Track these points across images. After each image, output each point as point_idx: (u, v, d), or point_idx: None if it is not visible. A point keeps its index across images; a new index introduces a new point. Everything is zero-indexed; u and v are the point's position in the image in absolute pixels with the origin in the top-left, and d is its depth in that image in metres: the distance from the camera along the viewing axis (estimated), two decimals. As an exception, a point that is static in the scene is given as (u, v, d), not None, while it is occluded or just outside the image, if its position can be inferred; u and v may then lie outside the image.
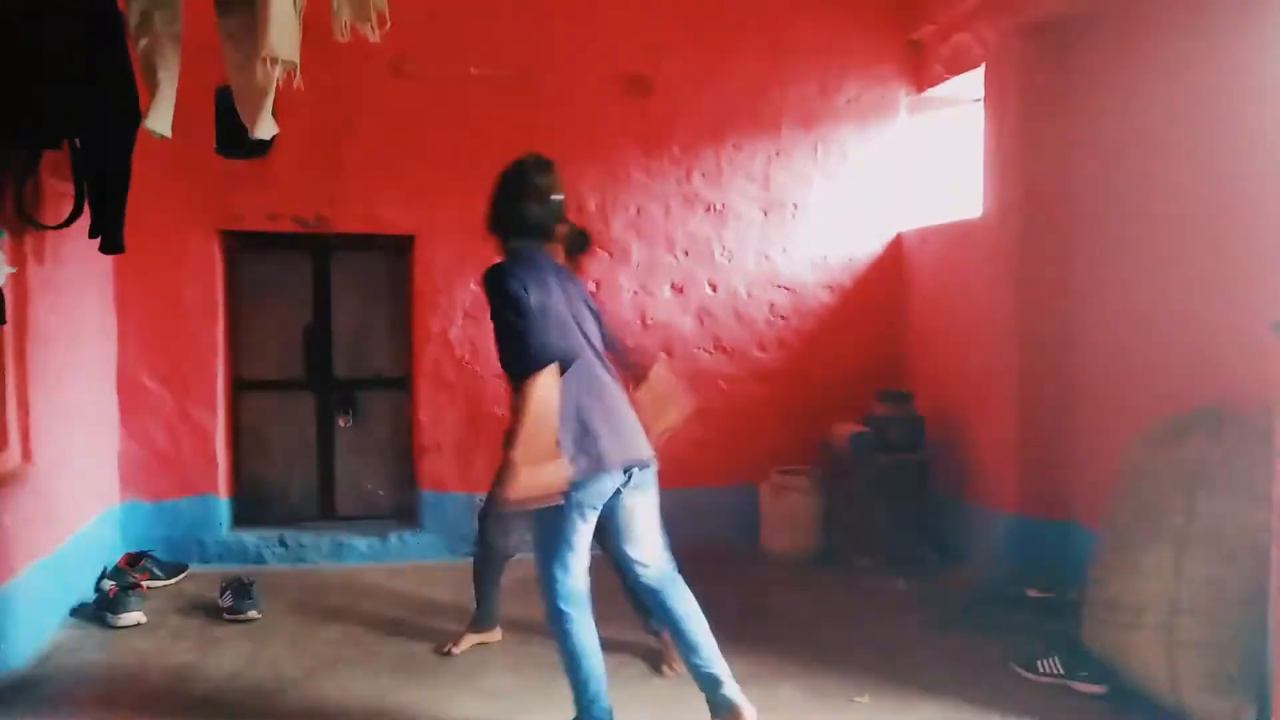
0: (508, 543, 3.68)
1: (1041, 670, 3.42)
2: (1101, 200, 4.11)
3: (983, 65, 4.67)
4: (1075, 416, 4.28)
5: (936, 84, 5.18)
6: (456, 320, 4.99)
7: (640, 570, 2.95)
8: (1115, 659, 3.26)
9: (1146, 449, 3.36)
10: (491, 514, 3.63)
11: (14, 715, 3.10)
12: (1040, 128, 4.33)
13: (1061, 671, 3.37)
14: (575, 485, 2.71)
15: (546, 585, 2.80)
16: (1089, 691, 3.30)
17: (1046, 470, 4.33)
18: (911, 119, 5.43)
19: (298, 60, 3.15)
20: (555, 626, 2.82)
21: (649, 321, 5.20)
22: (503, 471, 2.68)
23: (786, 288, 5.33)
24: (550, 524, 2.77)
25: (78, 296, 4.17)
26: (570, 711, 2.86)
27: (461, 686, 3.39)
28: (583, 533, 2.80)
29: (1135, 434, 3.49)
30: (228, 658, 3.60)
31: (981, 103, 4.71)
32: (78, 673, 3.46)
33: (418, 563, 4.85)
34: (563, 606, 2.79)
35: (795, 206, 5.33)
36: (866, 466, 4.74)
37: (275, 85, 3.16)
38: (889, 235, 5.44)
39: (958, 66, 4.94)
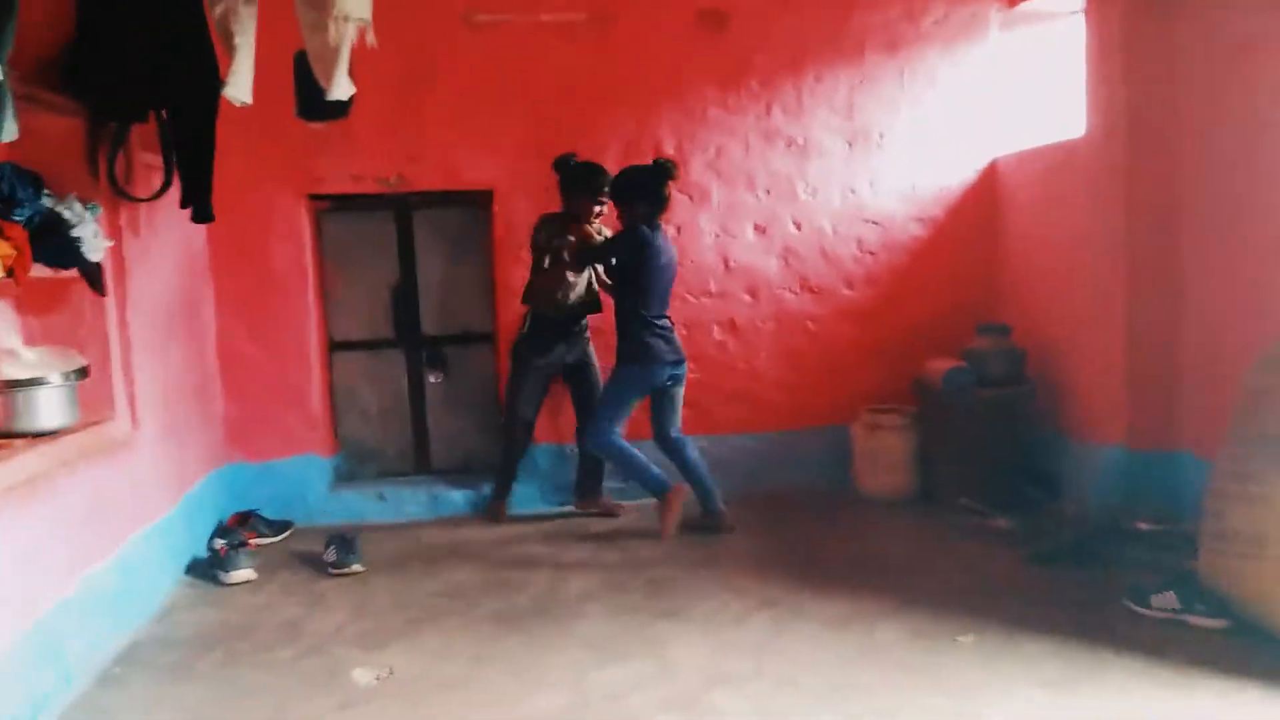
0: (530, 413, 4.79)
1: (1156, 605, 3.28)
2: (1212, 114, 3.84)
3: (1082, -28, 4.39)
4: (1186, 344, 4.06)
5: (1030, -3, 4.90)
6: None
7: (670, 428, 4.59)
8: (1235, 592, 3.11)
9: (1266, 374, 3.16)
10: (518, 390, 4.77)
11: (139, 671, 3.26)
12: (1146, 38, 4.06)
13: (1178, 606, 3.24)
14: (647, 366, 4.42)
15: (605, 432, 4.43)
16: (1208, 626, 3.16)
17: (1156, 400, 4.13)
18: (1004, 36, 5.15)
19: (369, 17, 3.14)
20: (612, 450, 4.46)
21: (731, 264, 5.11)
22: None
23: (874, 222, 5.17)
24: (619, 394, 4.46)
25: (173, 265, 4.29)
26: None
27: (560, 633, 3.43)
28: (636, 404, 4.54)
29: (1251, 359, 3.29)
30: (334, 611, 3.72)
31: (1082, 14, 4.43)
32: (195, 629, 3.61)
33: (511, 513, 4.91)
34: (615, 440, 4.45)
35: (881, 136, 5.14)
36: (963, 401, 4.60)
37: (349, 44, 3.16)
38: (983, 162, 5.21)
39: (1054, -24, 4.66)
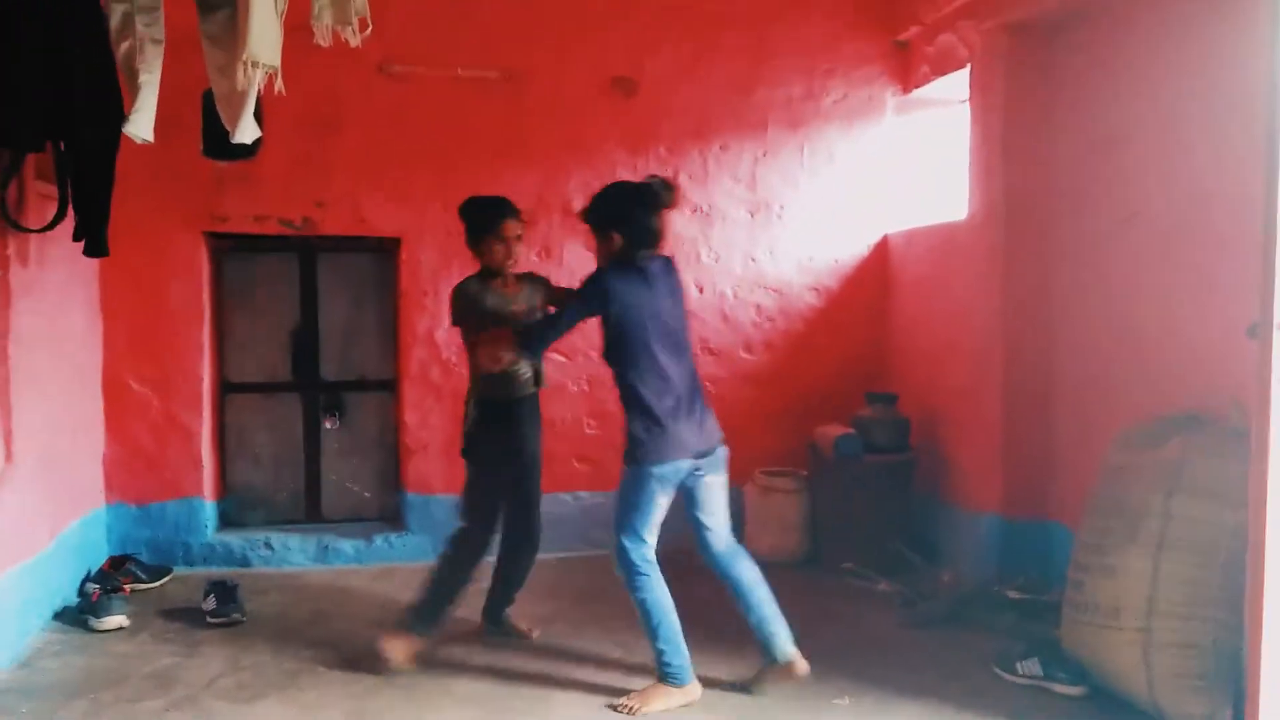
0: (491, 527, 3.76)
1: (1021, 671, 3.43)
2: (1083, 202, 4.12)
3: (968, 65, 4.68)
4: (1057, 418, 4.30)
5: (923, 84, 5.19)
6: (443, 322, 4.98)
7: (709, 536, 3.44)
8: (1093, 660, 3.27)
9: (1125, 451, 3.38)
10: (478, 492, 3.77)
11: (2, 717, 3.10)
12: (1024, 129, 4.34)
13: (1040, 673, 3.38)
14: (653, 465, 3.27)
15: (625, 550, 3.31)
16: (1067, 693, 3.31)
17: (1029, 471, 4.35)
18: (898, 120, 5.43)
19: (279, 64, 3.15)
20: (633, 582, 3.33)
21: (635, 323, 5.19)
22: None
23: (773, 289, 5.34)
24: (633, 496, 3.30)
25: (62, 299, 4.17)
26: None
27: (439, 691, 3.39)
28: (661, 505, 3.35)
29: (1115, 436, 3.50)
30: (210, 661, 3.61)
31: (967, 103, 4.72)
32: (59, 676, 3.45)
33: (403, 565, 4.84)
34: (641, 567, 3.31)
35: (781, 208, 5.34)
36: (852, 468, 4.75)
37: (257, 89, 3.17)
38: (875, 237, 5.45)
39: (944, 67, 4.95)
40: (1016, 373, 4.37)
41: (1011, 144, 4.36)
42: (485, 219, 3.69)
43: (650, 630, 3.29)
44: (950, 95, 5.17)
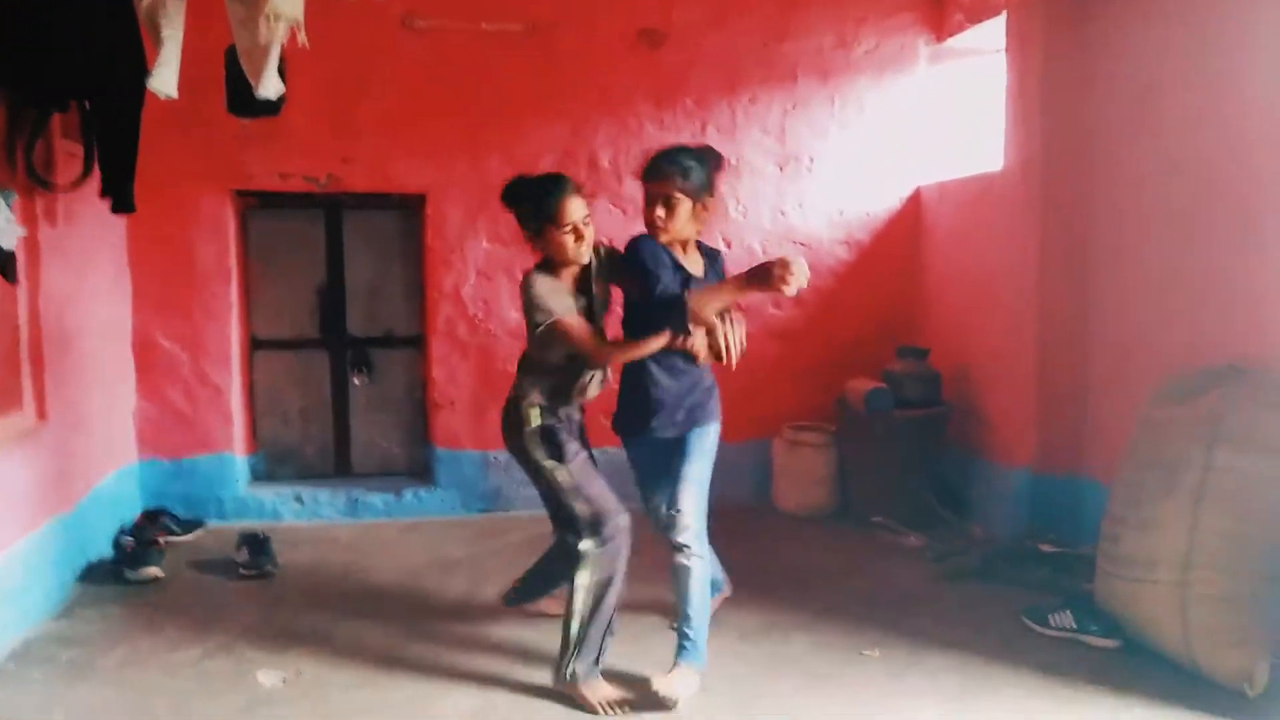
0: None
1: (1053, 624, 3.40)
2: (1124, 152, 4.02)
3: (1004, 13, 4.55)
4: (1092, 372, 4.23)
5: (957, 33, 5.06)
6: (469, 278, 4.98)
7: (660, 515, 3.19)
8: (1127, 614, 3.24)
9: (1164, 404, 3.32)
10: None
11: (34, 668, 3.16)
12: (1062, 77, 4.22)
13: (1073, 626, 3.36)
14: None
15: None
16: (1100, 645, 3.28)
17: (1063, 426, 4.28)
18: (931, 70, 5.31)
19: (301, 17, 3.11)
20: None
21: (662, 278, 5.15)
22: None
23: (802, 244, 5.27)
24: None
25: (91, 257, 4.19)
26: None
27: (473, 639, 3.42)
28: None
29: (1152, 389, 3.44)
30: (243, 612, 3.65)
31: (1003, 52, 4.60)
32: (97, 626, 3.51)
33: (431, 519, 4.88)
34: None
35: (811, 160, 5.25)
36: (882, 422, 4.71)
37: (279, 43, 3.13)
38: (907, 190, 5.35)
39: (979, 15, 4.82)
40: (1051, 326, 4.29)
41: (1049, 93, 4.24)
42: (538, 205, 2.95)
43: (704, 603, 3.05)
44: (985, 44, 5.03)
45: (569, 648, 2.95)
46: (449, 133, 4.90)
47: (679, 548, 3.02)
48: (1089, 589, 3.45)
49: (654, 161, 3.06)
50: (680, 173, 2.99)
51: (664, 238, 3.03)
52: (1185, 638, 3.03)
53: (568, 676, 2.93)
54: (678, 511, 3.03)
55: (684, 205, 2.99)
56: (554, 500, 3.15)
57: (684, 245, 3.10)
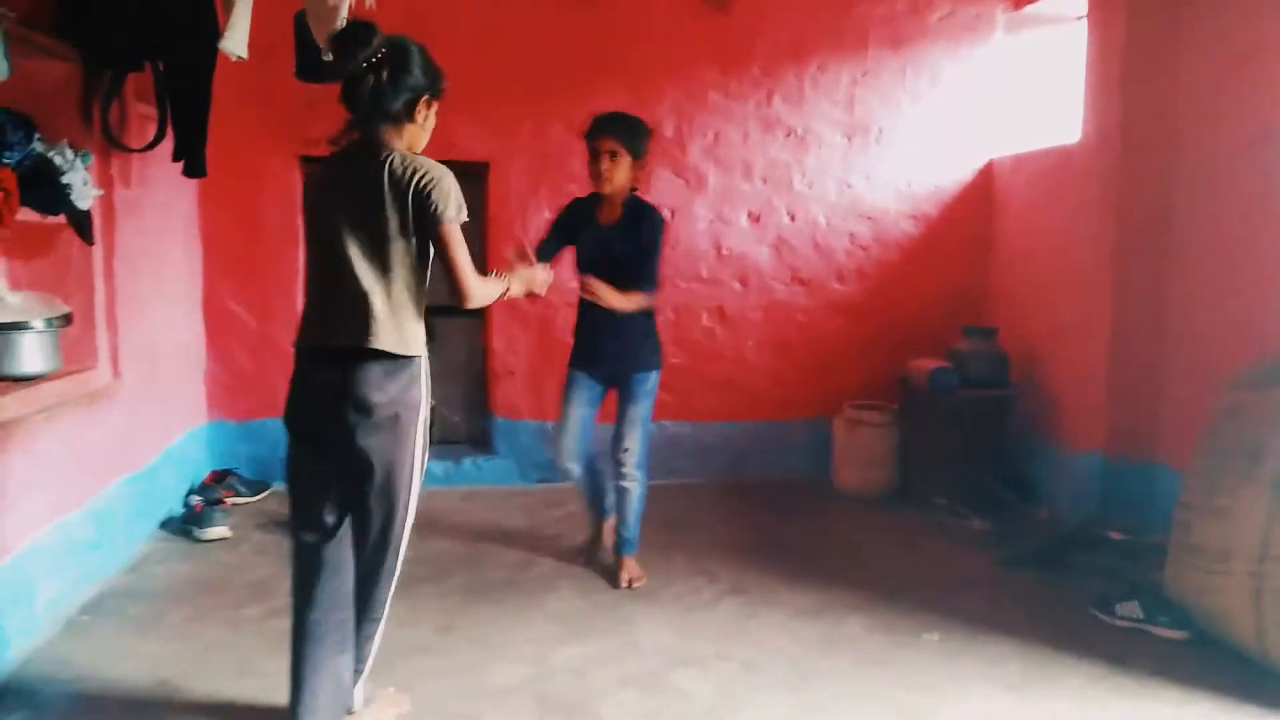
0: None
1: (1120, 614, 3.31)
2: (1209, 122, 3.85)
3: (1087, -22, 4.39)
4: (1168, 355, 4.08)
5: (1035, 0, 4.88)
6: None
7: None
8: (1198, 605, 3.14)
9: (1243, 390, 3.19)
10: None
11: (106, 621, 3.26)
12: (1146, 45, 4.05)
13: (1141, 616, 3.27)
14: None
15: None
16: (1169, 637, 3.19)
17: (1135, 410, 4.15)
18: (1008, 38, 5.14)
19: (369, -22, 3.12)
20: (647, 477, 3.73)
21: (724, 251, 5.10)
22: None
23: (869, 217, 5.17)
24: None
25: (163, 219, 4.27)
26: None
27: (529, 607, 3.45)
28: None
29: (1230, 375, 3.31)
30: (306, 572, 3.72)
31: (1084, 20, 4.43)
32: (166, 582, 3.62)
33: (491, 487, 4.93)
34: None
35: (880, 131, 5.13)
36: (946, 402, 4.62)
37: (348, 5, 3.14)
38: (979, 162, 5.21)
39: (1060, -19, 4.66)
40: (1125, 306, 4.15)
41: (1133, 61, 4.08)
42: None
43: (639, 512, 3.72)
44: (1066, 10, 4.85)
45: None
46: (512, 100, 4.88)
47: (625, 475, 3.65)
48: (1158, 578, 3.35)
49: (598, 121, 3.53)
50: (622, 131, 3.48)
51: (607, 188, 3.51)
52: (1258, 631, 2.93)
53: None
54: (626, 450, 3.63)
55: (624, 160, 3.48)
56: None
57: (615, 200, 3.57)
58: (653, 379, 3.67)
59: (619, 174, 3.50)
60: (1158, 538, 3.60)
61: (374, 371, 2.42)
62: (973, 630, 3.29)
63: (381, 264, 2.45)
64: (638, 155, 3.53)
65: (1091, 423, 4.28)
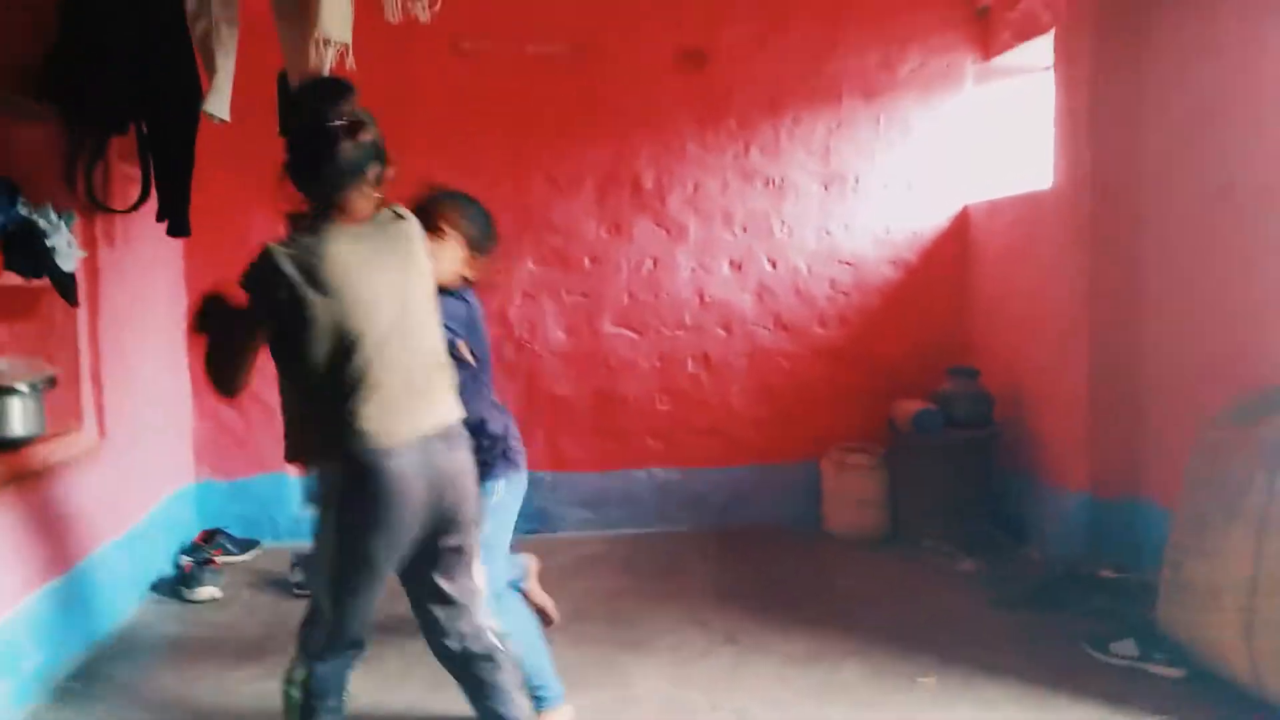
0: None
1: (1115, 652, 3.32)
2: (1176, 172, 3.94)
3: (1052, 31, 4.50)
4: (1148, 393, 4.14)
5: (1004, 51, 5.01)
6: (515, 300, 5.01)
7: None
8: (1192, 641, 3.15)
9: (1224, 427, 3.23)
10: None
11: (97, 686, 3.21)
12: (1112, 97, 4.16)
13: (1136, 654, 3.27)
14: None
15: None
16: (1165, 675, 3.20)
17: (1119, 448, 4.19)
18: (978, 88, 5.27)
19: (349, 40, 3.17)
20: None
21: (707, 299, 5.15)
22: None
23: (848, 263, 5.24)
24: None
25: (148, 279, 4.27)
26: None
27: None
28: None
29: (1211, 411, 3.36)
30: (296, 632, 3.68)
31: (1051, 70, 4.55)
32: (157, 646, 3.57)
33: (480, 540, 4.89)
34: None
35: (856, 180, 5.22)
36: (932, 443, 4.65)
37: (330, 66, 3.19)
38: (955, 209, 5.30)
39: (1026, 33, 4.77)
40: (1104, 346, 4.21)
41: (1099, 113, 4.18)
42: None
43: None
44: (1033, 62, 4.98)
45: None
46: (493, 153, 4.94)
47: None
48: (1152, 616, 3.36)
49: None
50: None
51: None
52: (1252, 665, 2.94)
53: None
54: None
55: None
56: None
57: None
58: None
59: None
60: (1149, 574, 3.62)
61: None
62: (968, 672, 3.28)
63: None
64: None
65: (1076, 461, 4.32)
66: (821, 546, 4.80)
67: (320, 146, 2.32)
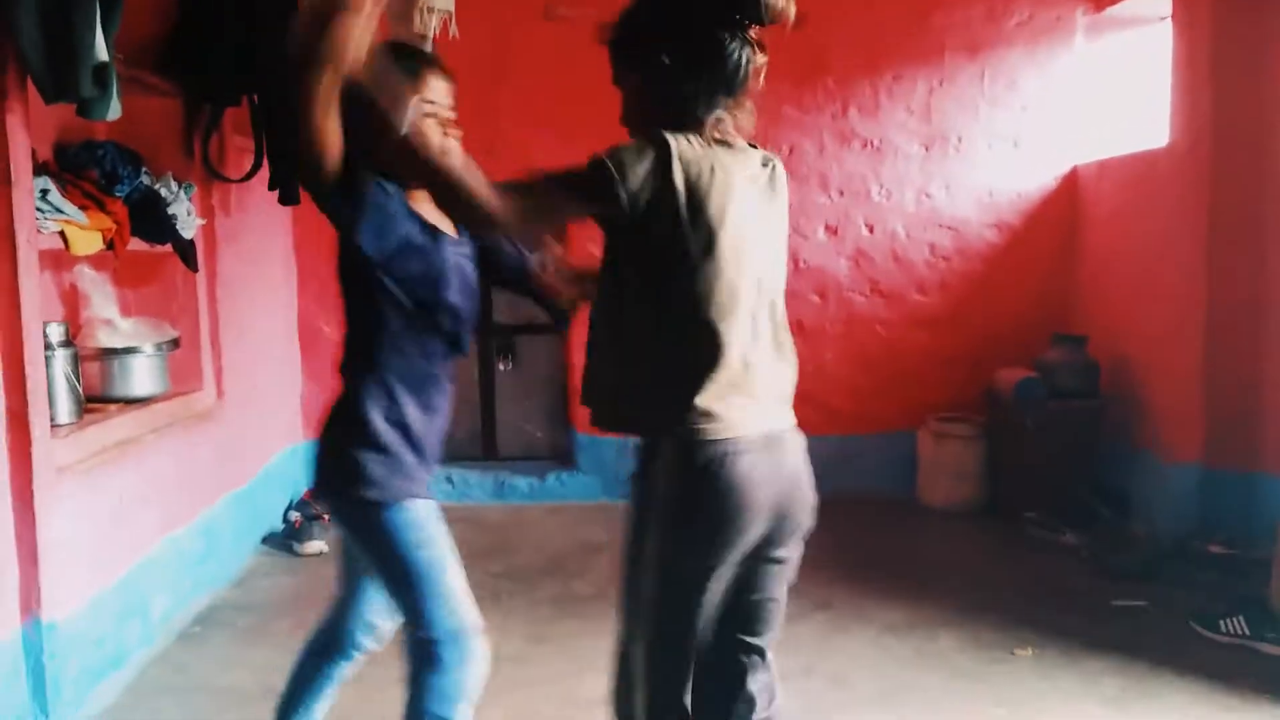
0: None
1: (1224, 630, 3.21)
2: (1307, 123, 3.73)
3: (1171, -23, 4.29)
4: (1267, 361, 3.95)
5: (1117, 1, 4.79)
6: (611, 265, 5.04)
7: None
8: (1309, 621, 3.03)
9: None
10: None
11: (217, 631, 3.40)
12: (1235, 44, 3.95)
13: (1246, 632, 3.16)
14: None
15: None
16: (1276, 654, 3.08)
17: (1234, 418, 4.02)
18: (1089, 42, 5.05)
19: (452, 8, 3.22)
20: None
21: (801, 265, 5.10)
22: None
23: (949, 227, 5.11)
24: None
25: (261, 246, 4.45)
26: None
27: (613, 621, 3.47)
28: None
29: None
30: (400, 586, 3.83)
31: (1169, 20, 4.33)
32: (271, 595, 3.76)
33: (574, 503, 4.99)
34: None
35: (959, 140, 5.08)
36: (1034, 413, 4.53)
37: (433, 34, 3.24)
38: (1063, 169, 5.11)
39: (1143, -20, 4.56)
40: (1221, 312, 4.03)
41: (1221, 61, 3.97)
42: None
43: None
44: (1149, 11, 4.74)
45: None
46: (588, 119, 4.91)
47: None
48: (1264, 593, 3.24)
49: None
50: None
51: None
52: (1375, 649, 2.82)
53: None
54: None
55: None
56: None
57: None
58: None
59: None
60: (1261, 550, 3.48)
61: None
62: (1067, 646, 3.22)
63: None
64: None
65: (1188, 432, 4.16)
66: (916, 517, 4.75)
67: (730, 35, 1.73)
